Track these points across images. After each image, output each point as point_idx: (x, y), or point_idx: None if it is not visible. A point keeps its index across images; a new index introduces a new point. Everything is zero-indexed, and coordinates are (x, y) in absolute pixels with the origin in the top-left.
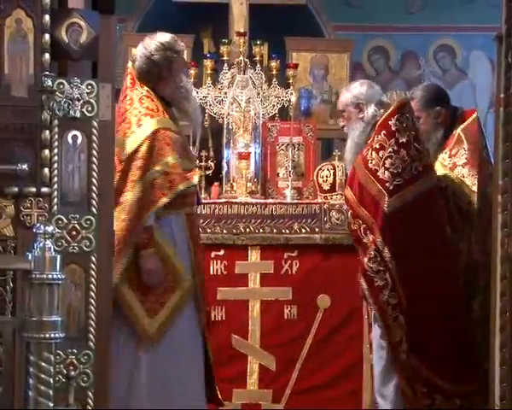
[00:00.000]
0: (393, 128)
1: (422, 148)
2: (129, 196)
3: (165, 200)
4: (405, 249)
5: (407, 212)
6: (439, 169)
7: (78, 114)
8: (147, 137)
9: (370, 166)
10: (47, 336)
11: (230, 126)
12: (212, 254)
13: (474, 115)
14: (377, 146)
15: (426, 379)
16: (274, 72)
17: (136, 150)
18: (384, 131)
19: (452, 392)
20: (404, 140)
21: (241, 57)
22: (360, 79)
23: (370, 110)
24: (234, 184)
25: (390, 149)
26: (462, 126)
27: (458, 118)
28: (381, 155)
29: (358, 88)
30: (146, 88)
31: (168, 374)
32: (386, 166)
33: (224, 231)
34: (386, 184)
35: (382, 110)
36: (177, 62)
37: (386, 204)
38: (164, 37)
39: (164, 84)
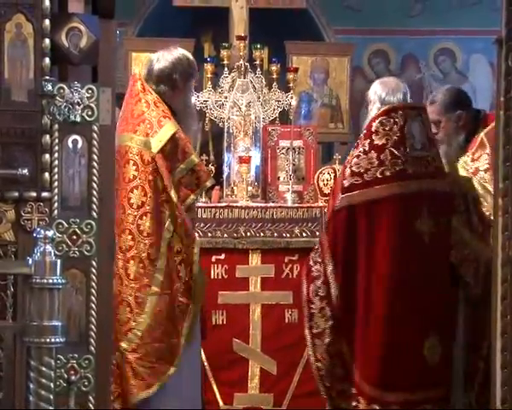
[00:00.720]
0: (373, 129)
1: (405, 155)
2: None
3: (193, 197)
4: (346, 249)
5: (355, 213)
6: (461, 173)
7: (78, 119)
8: (170, 137)
9: (345, 161)
10: (47, 340)
11: (231, 130)
12: (213, 258)
13: None
14: (355, 143)
15: (356, 382)
16: (274, 76)
17: (162, 149)
18: (365, 131)
19: (374, 398)
20: (379, 142)
21: (242, 61)
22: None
23: (374, 109)
24: (234, 187)
25: (361, 149)
26: (485, 131)
27: (481, 121)
28: (353, 152)
29: (374, 85)
30: (155, 94)
31: (186, 372)
32: (351, 164)
33: (225, 235)
34: (344, 181)
35: None
36: (192, 81)
37: (337, 200)
38: (188, 54)
39: (175, 94)
